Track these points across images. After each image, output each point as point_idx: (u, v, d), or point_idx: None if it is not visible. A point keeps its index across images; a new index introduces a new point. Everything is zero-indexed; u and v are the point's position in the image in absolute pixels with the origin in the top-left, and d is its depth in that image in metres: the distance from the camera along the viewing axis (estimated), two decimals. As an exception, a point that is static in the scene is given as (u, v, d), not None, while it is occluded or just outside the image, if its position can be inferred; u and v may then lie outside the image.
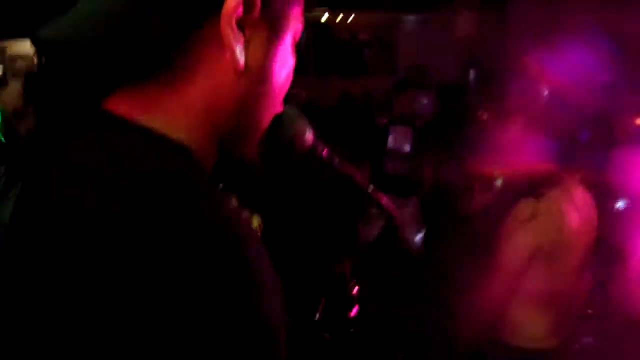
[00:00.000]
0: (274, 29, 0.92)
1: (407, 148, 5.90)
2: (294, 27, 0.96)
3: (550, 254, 2.77)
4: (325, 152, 1.27)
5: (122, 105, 0.88)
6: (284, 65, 0.95)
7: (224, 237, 0.77)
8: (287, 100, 1.03)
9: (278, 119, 1.03)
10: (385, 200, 1.40)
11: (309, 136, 1.22)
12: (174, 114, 0.87)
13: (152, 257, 0.74)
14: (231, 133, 0.93)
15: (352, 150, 5.55)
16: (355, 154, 5.87)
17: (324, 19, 10.97)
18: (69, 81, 0.89)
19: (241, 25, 0.87)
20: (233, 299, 0.75)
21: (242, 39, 0.87)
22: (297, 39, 0.99)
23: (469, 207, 4.65)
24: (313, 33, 10.59)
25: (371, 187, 1.36)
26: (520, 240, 2.81)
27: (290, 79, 0.99)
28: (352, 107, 9.49)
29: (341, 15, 11.44)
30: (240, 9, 0.86)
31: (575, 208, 2.83)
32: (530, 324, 2.90)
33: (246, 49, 0.88)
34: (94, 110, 0.89)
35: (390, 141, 5.91)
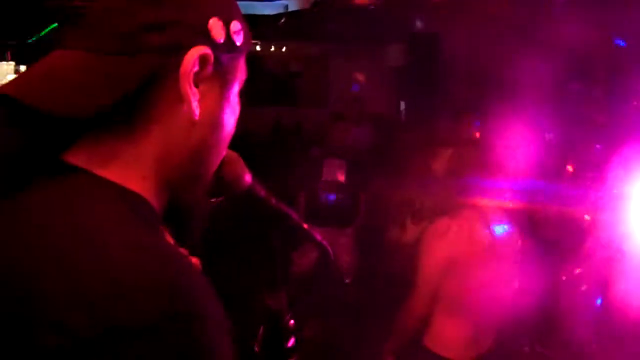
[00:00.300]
0: (224, 82, 1.00)
1: (341, 179, 6.03)
2: (240, 77, 1.04)
3: (464, 264, 2.98)
4: (262, 192, 1.35)
5: (80, 156, 0.93)
6: (232, 114, 1.03)
7: (171, 280, 0.83)
8: None
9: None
10: (318, 235, 1.48)
11: (247, 177, 1.30)
12: (130, 164, 0.93)
13: (105, 301, 0.79)
14: (183, 179, 1.00)
15: (286, 182, 5.63)
16: (289, 186, 5.94)
17: (256, 50, 11.05)
18: (29, 133, 0.93)
19: (196, 80, 0.94)
20: (181, 335, 0.81)
21: (197, 93, 0.95)
22: (241, 87, 1.07)
23: (401, 237, 4.75)
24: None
25: (305, 224, 1.44)
26: (435, 253, 3.08)
27: (235, 125, 1.06)
28: (284, 138, 9.55)
29: (272, 47, 11.54)
30: (196, 66, 0.94)
31: (486, 226, 3.06)
32: (448, 333, 3.09)
33: (201, 101, 0.96)
34: (54, 161, 0.94)
35: (325, 172, 6.02)
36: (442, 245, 3.05)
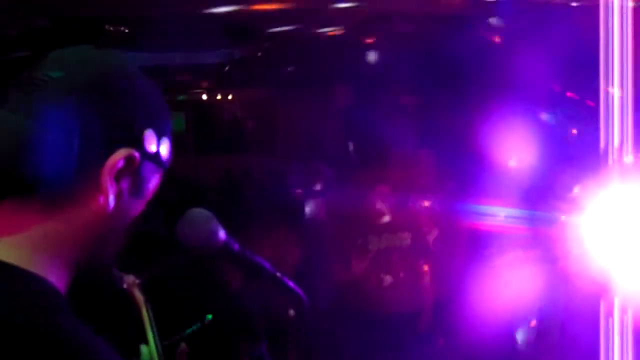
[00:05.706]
0: (140, 187, 1.08)
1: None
2: (153, 190, 1.12)
3: None
4: (236, 246, 1.41)
5: None
6: (138, 209, 1.11)
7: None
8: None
9: (192, 221, 1.18)
10: (291, 283, 1.54)
11: (221, 234, 1.36)
12: (39, 243, 0.99)
13: None
14: (88, 260, 1.06)
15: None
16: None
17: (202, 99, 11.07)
18: None
19: (118, 177, 1.02)
20: None
21: (116, 187, 1.02)
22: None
23: (347, 272, 4.83)
24: (192, 113, 10.64)
25: (279, 274, 1.50)
26: None
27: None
28: (234, 184, 9.57)
29: (219, 95, 11.58)
30: (121, 164, 1.02)
31: None
32: None
33: (117, 196, 1.04)
34: None
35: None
36: None
